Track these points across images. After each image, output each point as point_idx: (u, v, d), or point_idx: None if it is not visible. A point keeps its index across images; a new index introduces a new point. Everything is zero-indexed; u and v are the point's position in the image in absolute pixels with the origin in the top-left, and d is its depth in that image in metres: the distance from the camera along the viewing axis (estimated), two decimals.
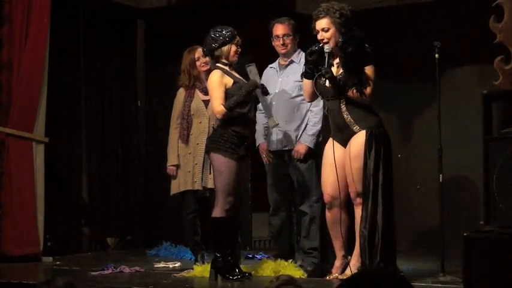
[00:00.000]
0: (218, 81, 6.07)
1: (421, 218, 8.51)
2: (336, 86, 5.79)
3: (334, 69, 5.89)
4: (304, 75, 5.99)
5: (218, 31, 6.13)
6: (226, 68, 6.11)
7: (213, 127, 6.54)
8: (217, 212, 6.01)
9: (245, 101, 6.03)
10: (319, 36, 5.88)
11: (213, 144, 6.05)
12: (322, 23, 5.88)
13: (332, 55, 5.88)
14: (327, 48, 5.81)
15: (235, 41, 6.14)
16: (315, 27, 5.93)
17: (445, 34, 7.51)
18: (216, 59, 6.14)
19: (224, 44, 6.10)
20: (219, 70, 6.11)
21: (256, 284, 5.88)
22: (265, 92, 6.33)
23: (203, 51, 6.29)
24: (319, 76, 5.81)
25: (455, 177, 8.01)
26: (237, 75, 6.14)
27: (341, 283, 2.60)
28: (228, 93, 6.04)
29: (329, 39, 5.86)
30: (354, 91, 5.73)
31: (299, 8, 8.98)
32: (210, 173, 6.61)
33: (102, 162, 8.86)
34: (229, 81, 6.06)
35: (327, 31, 5.87)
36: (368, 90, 5.74)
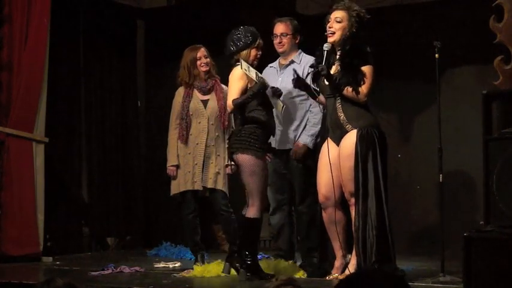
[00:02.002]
0: (239, 76, 6.05)
1: (421, 218, 8.51)
2: (332, 84, 5.80)
3: (334, 67, 5.90)
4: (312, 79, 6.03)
5: (239, 34, 6.10)
6: (247, 66, 6.06)
7: (214, 126, 6.56)
8: (253, 212, 5.96)
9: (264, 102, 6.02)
10: (328, 25, 5.86)
11: (241, 144, 5.99)
12: (338, 13, 5.86)
13: (334, 52, 5.88)
14: (325, 46, 5.82)
15: (255, 45, 6.11)
16: (328, 19, 5.91)
17: (445, 34, 7.51)
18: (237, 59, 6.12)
19: (243, 48, 6.08)
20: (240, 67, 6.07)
21: (256, 284, 5.87)
22: (277, 93, 6.24)
23: (226, 51, 6.21)
24: (317, 73, 5.84)
25: (455, 177, 8.00)
26: (258, 74, 6.11)
27: (337, 284, 2.61)
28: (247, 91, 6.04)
29: (337, 31, 5.84)
30: (349, 89, 5.74)
31: (299, 8, 8.98)
32: (215, 173, 6.68)
33: (102, 162, 8.86)
34: (250, 78, 6.04)
35: (339, 21, 5.85)
36: (364, 89, 5.75)
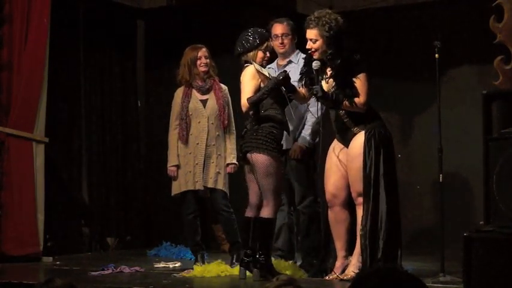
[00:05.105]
0: (252, 75, 6.01)
1: (421, 218, 8.52)
2: (330, 103, 5.80)
3: (324, 84, 5.88)
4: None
5: (247, 35, 6.09)
6: (259, 67, 6.05)
7: (214, 126, 6.54)
8: (268, 212, 5.93)
9: (280, 99, 5.97)
10: (307, 45, 5.88)
11: (257, 143, 5.92)
12: (310, 34, 5.86)
13: (322, 69, 5.87)
14: (314, 65, 5.81)
15: (263, 47, 6.10)
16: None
17: (445, 34, 7.51)
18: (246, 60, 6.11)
19: (249, 50, 6.06)
20: (253, 66, 6.05)
21: (256, 284, 5.87)
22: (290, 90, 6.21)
23: (235, 51, 6.19)
24: (312, 95, 5.84)
25: (455, 177, 8.01)
26: (269, 73, 6.09)
27: (355, 279, 2.60)
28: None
29: (316, 50, 5.85)
30: (347, 104, 5.75)
31: (299, 8, 8.98)
32: (215, 173, 6.68)
33: (102, 163, 8.86)
34: (262, 78, 6.02)
35: (314, 42, 5.85)
36: (362, 99, 5.75)
